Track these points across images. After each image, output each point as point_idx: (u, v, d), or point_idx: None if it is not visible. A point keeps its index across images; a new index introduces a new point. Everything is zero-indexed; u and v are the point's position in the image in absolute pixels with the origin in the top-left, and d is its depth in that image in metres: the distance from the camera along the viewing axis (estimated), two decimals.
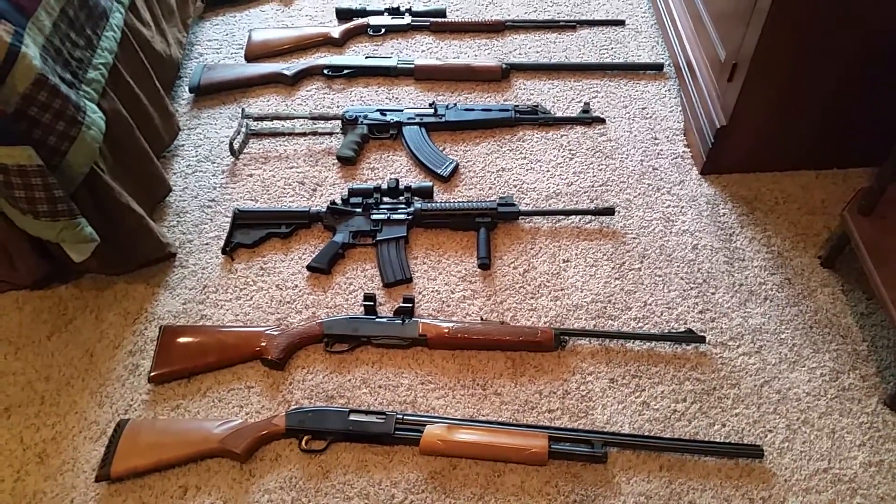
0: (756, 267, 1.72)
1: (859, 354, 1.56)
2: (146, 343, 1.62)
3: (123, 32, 1.73)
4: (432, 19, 2.38)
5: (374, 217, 1.80)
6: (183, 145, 2.04)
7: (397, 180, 1.83)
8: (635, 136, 2.03)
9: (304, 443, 1.43)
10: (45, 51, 1.40)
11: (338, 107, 2.13)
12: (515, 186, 1.91)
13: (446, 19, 2.39)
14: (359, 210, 1.81)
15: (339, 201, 1.82)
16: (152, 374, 1.54)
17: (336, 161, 1.98)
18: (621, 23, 2.39)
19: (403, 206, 1.81)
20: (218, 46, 2.35)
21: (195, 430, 1.44)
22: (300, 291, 1.71)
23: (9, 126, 1.32)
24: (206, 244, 1.81)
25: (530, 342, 1.55)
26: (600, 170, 1.95)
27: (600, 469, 1.40)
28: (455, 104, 2.08)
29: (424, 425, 1.41)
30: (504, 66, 2.18)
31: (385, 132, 2.03)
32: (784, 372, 1.53)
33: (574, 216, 1.83)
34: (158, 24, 2.03)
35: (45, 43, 1.41)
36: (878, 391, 1.50)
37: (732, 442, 1.43)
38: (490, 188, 1.91)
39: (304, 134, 2.07)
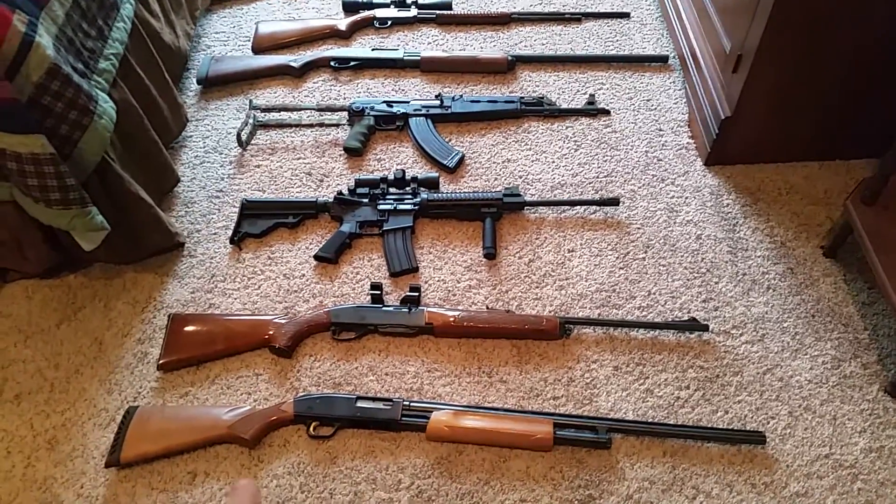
0: (759, 257, 1.73)
1: (861, 343, 1.57)
2: (155, 331, 1.63)
3: (133, 24, 1.74)
4: (438, 12, 2.38)
5: (381, 207, 1.81)
6: (191, 136, 2.06)
7: (403, 171, 1.84)
8: (640, 127, 2.04)
9: (312, 429, 1.44)
10: (58, 41, 1.41)
11: (344, 98, 2.14)
12: (521, 177, 1.92)
13: (452, 12, 2.40)
14: (365, 200, 1.82)
15: (345, 192, 1.83)
16: (161, 361, 1.55)
17: (343, 152, 1.99)
18: (626, 15, 2.39)
19: (410, 196, 1.82)
20: (225, 39, 2.36)
21: (204, 417, 1.45)
22: (307, 280, 1.72)
23: (22, 115, 1.33)
24: (214, 234, 1.82)
25: (535, 330, 1.56)
26: (605, 161, 1.96)
27: (604, 455, 1.41)
28: (461, 96, 2.09)
29: (431, 412, 1.42)
30: (510, 58, 2.19)
31: (391, 123, 2.04)
32: (786, 360, 1.55)
33: (579, 206, 1.85)
34: (167, 16, 2.04)
35: (57, 33, 1.41)
36: (879, 379, 1.51)
37: (735, 428, 1.44)
38: (496, 179, 1.92)
39: (311, 125, 2.08)
